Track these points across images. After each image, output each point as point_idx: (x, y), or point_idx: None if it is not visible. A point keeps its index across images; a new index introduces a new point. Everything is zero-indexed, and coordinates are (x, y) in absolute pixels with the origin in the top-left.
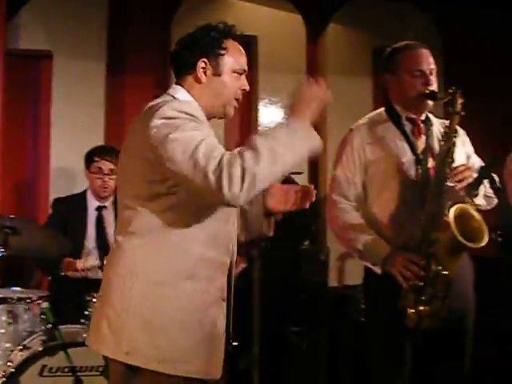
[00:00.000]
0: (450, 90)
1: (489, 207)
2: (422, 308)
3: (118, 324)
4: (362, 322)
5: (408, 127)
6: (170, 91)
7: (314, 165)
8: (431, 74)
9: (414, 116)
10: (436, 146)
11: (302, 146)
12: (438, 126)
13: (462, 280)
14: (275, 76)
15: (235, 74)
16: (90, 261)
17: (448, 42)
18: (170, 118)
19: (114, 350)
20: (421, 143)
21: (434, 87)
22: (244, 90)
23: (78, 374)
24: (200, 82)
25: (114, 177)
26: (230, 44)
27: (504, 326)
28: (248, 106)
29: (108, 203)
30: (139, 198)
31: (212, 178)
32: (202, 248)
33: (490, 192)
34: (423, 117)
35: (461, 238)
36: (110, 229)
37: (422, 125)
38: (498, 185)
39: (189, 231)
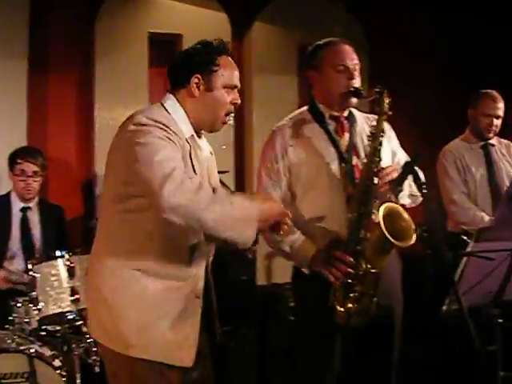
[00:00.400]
0: (377, 89)
1: (413, 205)
2: (350, 306)
3: (95, 313)
4: (291, 320)
5: (331, 126)
6: (162, 100)
7: (240, 163)
8: (355, 69)
9: (336, 114)
10: (360, 143)
11: (239, 233)
12: (362, 121)
13: (390, 277)
14: None
15: (227, 89)
16: (14, 264)
17: (373, 42)
18: (142, 125)
19: (96, 333)
20: (344, 141)
21: (357, 83)
22: (235, 103)
23: (2, 381)
24: (193, 96)
25: (38, 179)
26: (223, 60)
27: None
28: None
29: (33, 204)
30: (112, 199)
31: (160, 182)
32: (163, 251)
33: (415, 190)
34: (346, 113)
35: (390, 237)
36: (36, 230)
37: (345, 122)
38: (421, 180)
39: (155, 233)
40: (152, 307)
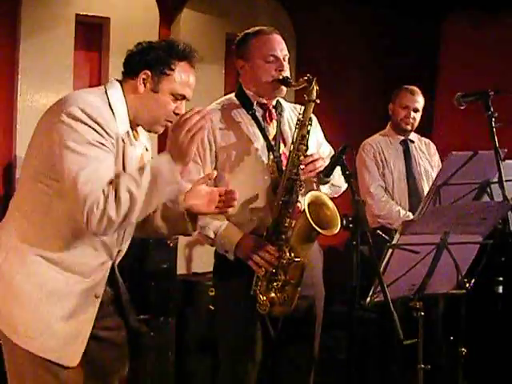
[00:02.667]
0: (305, 78)
1: (335, 195)
2: (273, 295)
3: None
4: (210, 310)
5: (259, 113)
6: (107, 85)
7: (163, 150)
8: (284, 59)
9: (265, 101)
10: (287, 132)
11: (161, 194)
12: (289, 110)
13: (312, 268)
14: None
15: (173, 97)
16: None
17: (299, 29)
18: (76, 120)
19: None
20: (272, 129)
21: (287, 73)
22: (177, 114)
23: None
24: (136, 91)
25: None
26: (181, 67)
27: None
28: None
29: None
30: (32, 177)
31: (80, 200)
32: (72, 243)
33: (337, 181)
34: (274, 102)
35: (315, 225)
36: None
37: (273, 110)
38: (348, 172)
39: (63, 223)
40: (48, 298)
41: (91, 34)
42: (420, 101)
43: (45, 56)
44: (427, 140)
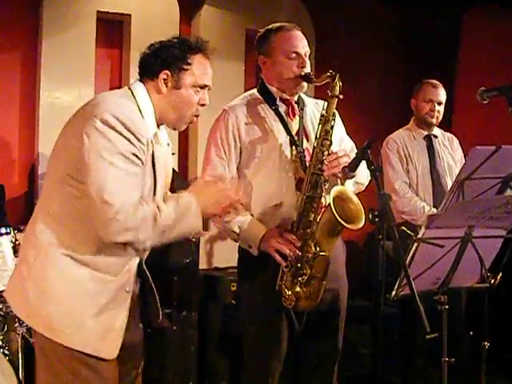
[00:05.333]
0: (328, 74)
1: (356, 192)
2: (299, 290)
3: (21, 285)
4: (232, 304)
5: (282, 108)
6: (132, 87)
7: (185, 146)
8: (306, 55)
9: (287, 97)
10: (310, 127)
11: (185, 231)
12: (311, 106)
13: (336, 261)
14: None
15: (195, 89)
16: None
17: (319, 25)
18: (110, 127)
19: (21, 311)
20: (295, 124)
21: (308, 69)
22: (203, 105)
23: None
24: (160, 92)
25: None
26: (197, 59)
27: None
28: (120, 85)
29: None
30: (61, 179)
31: (104, 207)
32: (101, 245)
33: (360, 178)
34: (296, 98)
35: (340, 220)
36: None
37: (295, 106)
38: (374, 166)
39: (92, 225)
40: (79, 294)
41: (112, 31)
42: (442, 94)
43: (66, 53)
44: (450, 135)
